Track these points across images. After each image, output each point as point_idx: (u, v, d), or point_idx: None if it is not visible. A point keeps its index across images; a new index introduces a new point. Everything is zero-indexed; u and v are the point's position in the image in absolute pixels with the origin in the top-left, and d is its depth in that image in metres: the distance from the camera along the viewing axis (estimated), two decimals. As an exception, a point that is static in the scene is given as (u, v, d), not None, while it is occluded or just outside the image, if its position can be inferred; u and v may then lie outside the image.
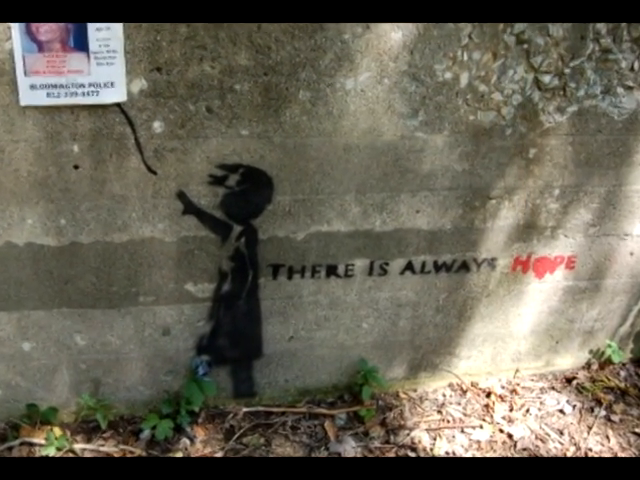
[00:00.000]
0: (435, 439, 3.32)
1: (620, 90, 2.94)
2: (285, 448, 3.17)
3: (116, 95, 2.45)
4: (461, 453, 3.21)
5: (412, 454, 3.15)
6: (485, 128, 2.88)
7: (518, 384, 3.74)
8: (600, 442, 3.36)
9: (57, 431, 3.07)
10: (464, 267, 3.29)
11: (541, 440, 3.37)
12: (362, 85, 2.66)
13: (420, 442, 3.27)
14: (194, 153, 2.66)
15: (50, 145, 2.53)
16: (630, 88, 2.94)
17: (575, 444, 3.33)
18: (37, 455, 2.92)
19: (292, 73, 2.57)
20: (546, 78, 2.82)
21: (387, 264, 3.17)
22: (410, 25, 2.55)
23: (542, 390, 3.73)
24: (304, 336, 3.30)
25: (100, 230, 2.75)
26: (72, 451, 3.01)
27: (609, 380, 3.81)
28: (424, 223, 3.09)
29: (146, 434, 3.16)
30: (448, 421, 3.46)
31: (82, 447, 3.04)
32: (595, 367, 3.90)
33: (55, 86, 2.39)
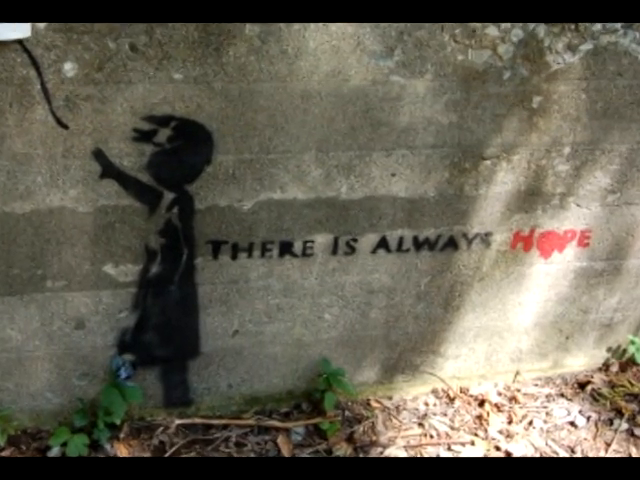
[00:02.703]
0: (415, 458, 3.38)
1: (646, 23, 3.02)
2: (228, 469, 3.28)
3: (17, 30, 2.46)
4: (447, 474, 3.33)
5: (386, 476, 3.29)
6: (477, 71, 2.95)
7: (519, 390, 3.84)
8: (620, 461, 3.43)
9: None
10: (451, 244, 3.40)
11: (547, 459, 3.42)
12: None
13: (396, 462, 3.35)
14: (115, 102, 2.70)
15: None
16: (658, 21, 3.01)
17: (589, 464, 3.44)
18: None
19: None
20: (553, 9, 2.78)
21: (355, 240, 3.27)
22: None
23: (549, 397, 3.84)
24: (252, 330, 3.41)
25: None
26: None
27: (632, 385, 3.90)
28: (401, 189, 3.18)
29: (55, 452, 3.22)
30: (431, 436, 3.55)
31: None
32: (615, 369, 4.00)
33: None
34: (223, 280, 3.22)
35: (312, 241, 3.22)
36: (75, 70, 2.61)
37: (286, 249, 3.22)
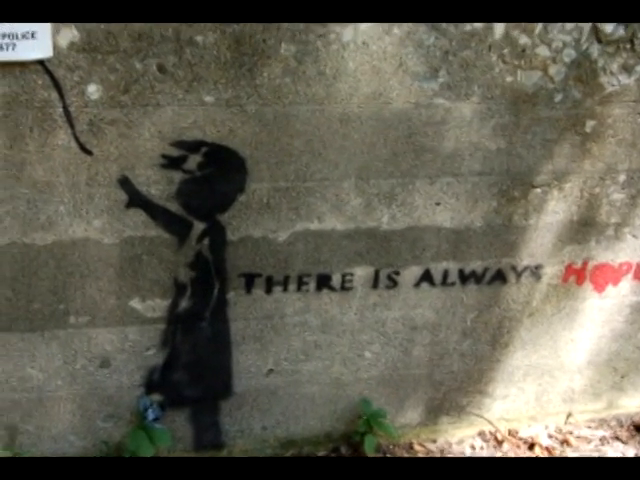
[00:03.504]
0: (461, 505, 3.33)
1: None
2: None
3: (38, 49, 2.43)
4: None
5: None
6: (527, 93, 2.89)
7: (571, 432, 3.76)
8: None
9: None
10: (499, 277, 3.33)
11: (601, 507, 3.37)
12: (364, 36, 2.65)
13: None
14: (142, 126, 2.65)
15: None
16: None
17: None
18: None
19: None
20: (608, 27, 2.79)
21: (397, 273, 3.21)
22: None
23: (603, 440, 3.74)
24: (287, 369, 3.33)
25: (17, 228, 2.74)
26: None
27: (691, 428, 3.79)
28: (446, 219, 3.12)
29: (78, 498, 3.15)
30: (478, 482, 3.46)
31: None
32: (675, 411, 3.87)
33: None
34: (257, 315, 3.16)
35: (351, 274, 3.15)
36: (100, 92, 2.57)
37: (324, 283, 3.15)
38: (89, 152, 2.66)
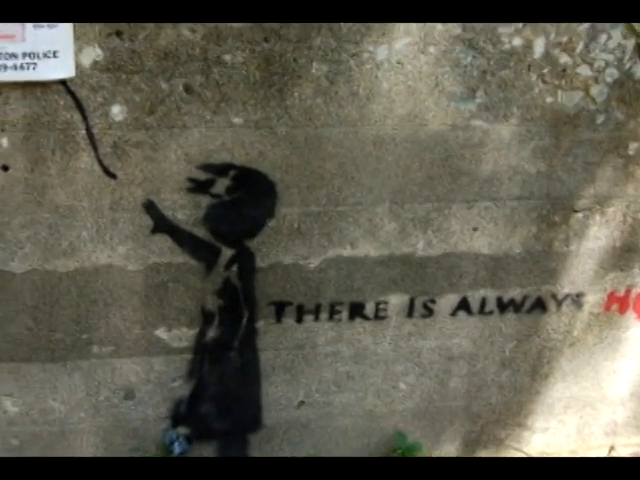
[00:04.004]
0: None
1: None
2: None
3: (61, 69, 2.42)
4: None
5: None
6: (568, 114, 2.86)
7: None
8: None
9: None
10: (539, 306, 3.27)
11: None
12: (399, 55, 2.63)
13: None
14: (168, 149, 2.64)
15: None
16: None
17: None
18: None
19: (303, 39, 2.55)
20: (652, 45, 2.74)
21: (433, 301, 3.16)
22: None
23: None
24: (319, 401, 3.28)
25: (38, 255, 2.72)
26: None
27: None
28: (484, 245, 3.08)
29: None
30: (517, 519, 3.39)
31: None
32: None
33: None
34: (287, 345, 3.11)
35: (385, 302, 3.10)
36: (124, 114, 2.56)
37: (357, 311, 3.10)
38: (113, 175, 2.64)
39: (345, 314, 3.09)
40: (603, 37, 2.73)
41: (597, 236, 3.15)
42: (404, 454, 3.37)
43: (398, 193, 2.89)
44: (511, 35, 2.67)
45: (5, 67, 2.37)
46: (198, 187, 2.72)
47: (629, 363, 3.52)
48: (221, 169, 2.71)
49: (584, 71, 2.79)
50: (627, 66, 2.81)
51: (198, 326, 2.99)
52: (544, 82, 2.78)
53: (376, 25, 2.55)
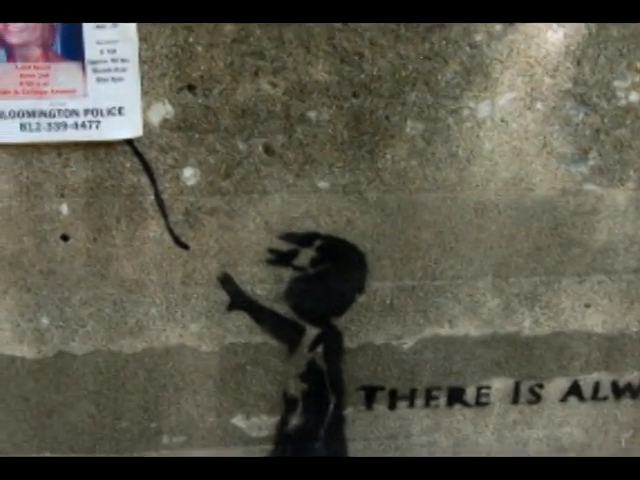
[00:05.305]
0: None
1: None
2: None
3: (127, 128, 2.35)
4: None
5: None
6: None
7: None
8: None
9: None
10: None
11: None
12: (503, 112, 2.52)
13: None
14: (246, 216, 2.55)
15: (26, 204, 2.43)
16: None
17: None
18: None
19: (396, 94, 2.44)
20: None
21: (541, 386, 2.97)
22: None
23: None
24: None
25: (102, 334, 2.64)
26: None
27: None
28: (597, 323, 2.90)
29: None
30: None
31: None
32: None
33: (33, 114, 2.28)
34: (379, 435, 2.96)
35: (488, 387, 2.94)
36: (197, 177, 2.48)
37: (456, 397, 2.94)
38: (185, 246, 2.57)
39: (443, 400, 2.94)
40: None
41: None
42: None
43: (502, 265, 2.76)
44: (627, 89, 2.56)
45: (65, 125, 2.30)
46: (279, 259, 2.63)
47: None
48: (305, 239, 2.62)
49: None
50: None
51: (279, 414, 2.88)
52: (665, 142, 2.74)
53: (477, 79, 2.46)
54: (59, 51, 2.20)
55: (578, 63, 2.46)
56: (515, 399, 2.97)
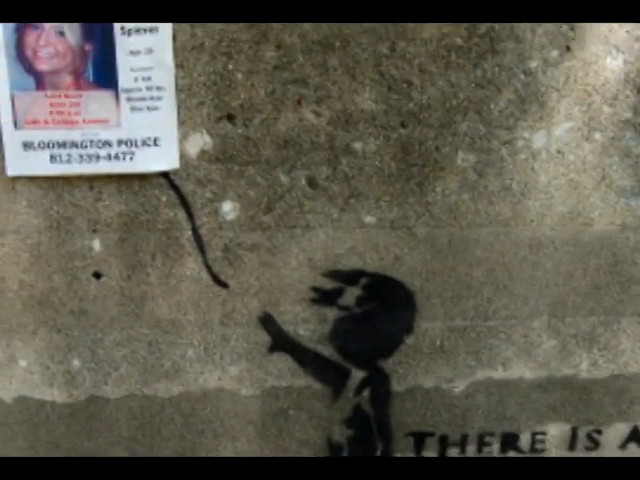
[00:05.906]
0: None
1: None
2: None
3: (162, 159, 2.33)
4: None
5: None
6: None
7: None
8: None
9: None
10: None
11: None
12: (559, 143, 2.46)
13: None
14: (288, 253, 2.51)
15: (56, 240, 2.42)
16: None
17: None
18: None
19: (446, 124, 2.40)
20: None
21: (599, 432, 2.86)
22: (637, 46, 2.39)
23: None
24: None
25: (136, 377, 2.61)
26: None
27: None
28: None
29: None
30: None
31: None
32: None
33: (64, 145, 2.26)
34: None
35: (543, 433, 2.83)
36: (237, 211, 2.46)
37: (510, 443, 2.83)
38: (224, 284, 2.53)
39: (496, 447, 2.85)
40: None
41: None
42: None
43: (558, 305, 2.67)
44: (691, 119, 2.52)
45: (97, 157, 2.29)
46: (324, 298, 2.58)
47: None
48: (351, 276, 2.56)
49: None
50: None
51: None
52: None
53: (532, 108, 2.42)
54: (91, 79, 2.19)
55: (638, 91, 2.41)
56: (572, 446, 2.87)
